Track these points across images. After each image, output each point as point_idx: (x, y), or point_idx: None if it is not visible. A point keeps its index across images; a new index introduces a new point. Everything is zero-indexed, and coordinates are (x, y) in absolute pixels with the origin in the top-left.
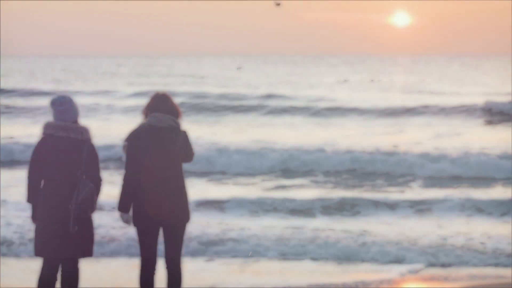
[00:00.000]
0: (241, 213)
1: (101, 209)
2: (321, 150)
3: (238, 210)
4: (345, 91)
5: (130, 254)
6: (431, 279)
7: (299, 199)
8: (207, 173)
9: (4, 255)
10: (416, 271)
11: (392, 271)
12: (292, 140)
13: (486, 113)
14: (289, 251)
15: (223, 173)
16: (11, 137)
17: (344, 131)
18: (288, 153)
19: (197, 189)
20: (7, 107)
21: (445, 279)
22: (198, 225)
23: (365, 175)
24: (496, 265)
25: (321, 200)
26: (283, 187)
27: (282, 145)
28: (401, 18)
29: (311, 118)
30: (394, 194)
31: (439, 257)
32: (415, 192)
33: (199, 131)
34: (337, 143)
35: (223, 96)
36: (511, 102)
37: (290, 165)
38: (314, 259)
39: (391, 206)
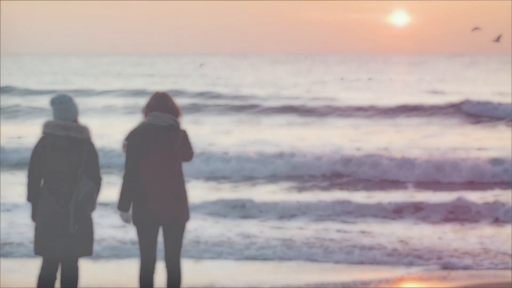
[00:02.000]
0: (238, 215)
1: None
2: (306, 153)
3: (234, 212)
4: (340, 89)
5: (129, 254)
6: (429, 279)
7: (295, 202)
8: (205, 175)
9: (4, 255)
10: (415, 272)
11: (391, 272)
12: (283, 140)
13: (463, 113)
14: (287, 252)
15: (218, 175)
16: (19, 137)
17: (332, 131)
18: (279, 156)
19: (196, 191)
20: (9, 107)
21: (444, 278)
22: (196, 226)
23: (353, 178)
24: (495, 267)
25: (316, 202)
26: (276, 189)
27: (273, 146)
28: (400, 18)
29: (299, 117)
30: (386, 196)
31: (437, 258)
32: (407, 194)
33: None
34: (323, 144)
35: (217, 95)
36: (487, 102)
37: (282, 168)
38: (312, 259)
39: (387, 209)
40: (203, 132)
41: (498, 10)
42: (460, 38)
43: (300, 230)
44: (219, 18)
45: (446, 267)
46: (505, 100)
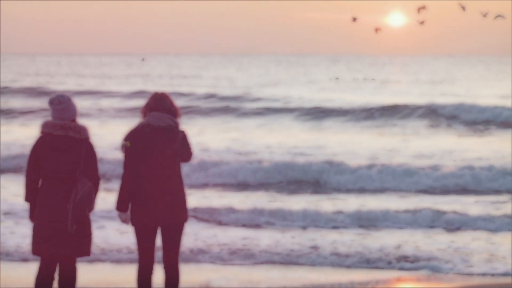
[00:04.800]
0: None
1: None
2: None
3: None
4: (329, 89)
5: (127, 255)
6: (427, 279)
7: (288, 208)
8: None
9: (4, 256)
10: (412, 274)
11: (389, 274)
12: (264, 142)
13: (430, 115)
14: (284, 255)
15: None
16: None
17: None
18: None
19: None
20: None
21: (441, 279)
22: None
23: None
24: (493, 270)
25: (307, 208)
26: (264, 194)
27: (252, 149)
28: (396, 19)
29: (278, 119)
30: (380, 202)
31: (434, 261)
32: (397, 200)
33: None
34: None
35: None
36: (453, 104)
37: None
38: (309, 262)
39: (381, 215)
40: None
41: (497, 10)
42: (458, 39)
43: (296, 234)
44: (214, 18)
45: (441, 270)
46: (494, 102)
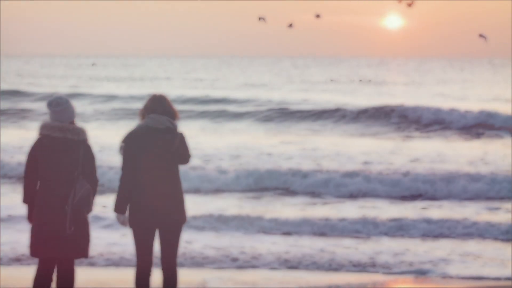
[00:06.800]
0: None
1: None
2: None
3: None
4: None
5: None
6: (423, 282)
7: (284, 216)
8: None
9: (3, 259)
10: (410, 276)
11: (387, 276)
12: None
13: (400, 119)
14: (282, 258)
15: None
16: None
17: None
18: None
19: None
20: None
21: (437, 282)
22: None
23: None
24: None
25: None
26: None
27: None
28: (393, 21)
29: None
30: (369, 209)
31: (430, 266)
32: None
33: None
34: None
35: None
36: (426, 108)
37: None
38: (306, 266)
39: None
40: None
41: (496, 11)
42: (455, 42)
43: (293, 239)
44: (211, 19)
45: (436, 273)
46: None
